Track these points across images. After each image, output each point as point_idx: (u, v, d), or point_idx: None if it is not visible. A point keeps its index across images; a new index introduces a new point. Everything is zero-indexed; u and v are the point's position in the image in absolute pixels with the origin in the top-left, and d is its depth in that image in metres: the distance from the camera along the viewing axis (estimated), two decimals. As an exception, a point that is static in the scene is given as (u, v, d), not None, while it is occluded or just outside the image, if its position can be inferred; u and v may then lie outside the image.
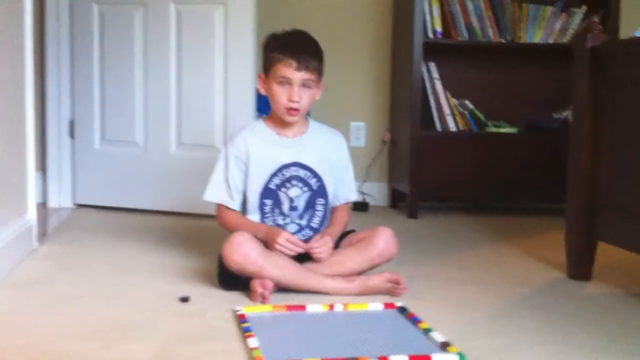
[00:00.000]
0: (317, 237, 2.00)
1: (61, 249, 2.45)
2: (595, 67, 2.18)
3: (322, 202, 2.10)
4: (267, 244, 1.96)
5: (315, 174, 2.08)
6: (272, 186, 2.06)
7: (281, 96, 2.01)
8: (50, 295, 1.88)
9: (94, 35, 3.26)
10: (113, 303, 1.83)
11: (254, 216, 2.07)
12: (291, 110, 2.01)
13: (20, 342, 1.50)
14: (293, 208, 2.07)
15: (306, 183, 2.08)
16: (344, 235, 2.12)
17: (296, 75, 1.99)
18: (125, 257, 2.36)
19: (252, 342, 1.50)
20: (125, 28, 3.21)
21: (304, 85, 2.01)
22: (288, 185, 2.06)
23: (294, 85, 1.99)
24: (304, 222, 2.08)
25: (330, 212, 2.14)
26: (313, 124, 2.15)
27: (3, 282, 1.98)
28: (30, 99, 2.41)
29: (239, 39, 3.06)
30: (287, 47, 2.01)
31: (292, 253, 1.95)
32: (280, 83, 2.00)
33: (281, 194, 2.06)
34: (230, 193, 2.07)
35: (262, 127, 2.11)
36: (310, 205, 2.09)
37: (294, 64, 1.98)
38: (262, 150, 2.07)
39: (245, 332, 1.57)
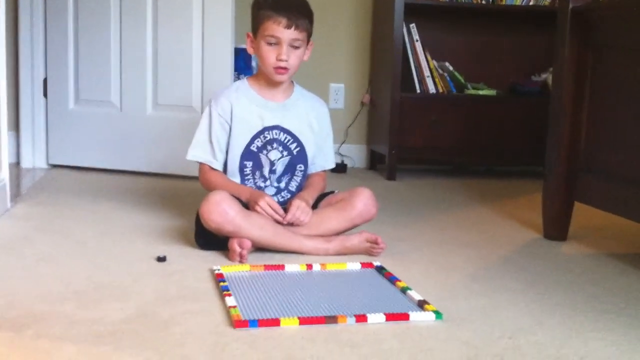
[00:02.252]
0: (293, 206, 1.97)
1: (36, 210, 2.41)
2: (577, 30, 2.17)
3: (302, 168, 2.09)
4: (249, 205, 1.94)
5: (296, 139, 2.07)
6: (253, 148, 2.04)
7: (270, 55, 1.98)
8: (27, 256, 1.86)
9: (68, -8, 3.18)
10: (91, 264, 1.81)
11: (234, 178, 2.06)
12: (279, 69, 1.99)
13: (3, 303, 1.48)
14: (272, 171, 2.06)
15: (286, 147, 2.06)
16: (323, 196, 2.11)
17: (285, 33, 1.96)
18: (102, 218, 2.34)
19: (230, 301, 1.50)
20: (100, -15, 3.13)
21: (293, 45, 1.98)
22: (269, 147, 2.05)
23: (283, 44, 1.97)
24: (282, 185, 2.07)
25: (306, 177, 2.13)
26: (298, 90, 2.13)
27: (-24, 242, 1.95)
28: (2, 57, 2.35)
29: (216, -2, 3.00)
30: (278, 4, 1.98)
31: (271, 217, 1.94)
32: (269, 42, 1.97)
33: (262, 157, 2.05)
34: (214, 153, 2.05)
35: (247, 88, 2.08)
36: (289, 169, 2.07)
37: (283, 21, 1.95)
38: (246, 112, 2.05)
39: (223, 291, 1.57)
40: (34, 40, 3.24)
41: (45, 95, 3.29)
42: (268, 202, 1.94)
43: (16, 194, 2.65)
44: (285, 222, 1.95)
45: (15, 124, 3.30)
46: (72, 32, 3.20)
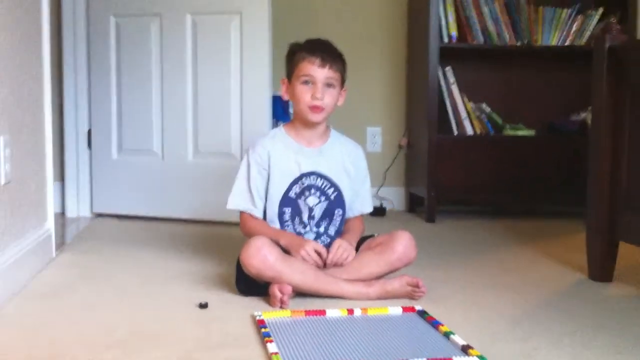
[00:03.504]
0: (334, 246, 1.99)
1: (80, 258, 2.46)
2: (614, 68, 2.16)
3: (340, 213, 2.10)
4: (291, 250, 1.96)
5: (333, 184, 2.08)
6: (291, 195, 2.06)
7: (305, 95, 2.02)
8: (71, 304, 1.89)
9: (111, 46, 3.28)
10: (134, 312, 1.83)
11: (273, 225, 2.07)
12: (315, 107, 2.02)
13: (45, 352, 1.50)
14: (311, 217, 2.07)
15: (324, 192, 2.08)
16: (363, 240, 2.11)
17: (320, 72, 2.00)
18: (144, 265, 2.37)
19: (272, 347, 1.50)
20: (141, 39, 3.23)
21: (328, 84, 2.02)
22: (307, 193, 2.06)
23: (318, 82, 2.01)
24: (321, 230, 2.08)
25: (344, 222, 2.14)
26: (334, 135, 2.16)
27: (24, 292, 1.99)
28: (48, 109, 2.42)
29: (254, 47, 3.07)
30: (312, 46, 2.05)
31: (315, 263, 1.94)
32: (305, 82, 2.02)
33: (300, 203, 2.06)
34: (254, 201, 2.07)
35: (283, 135, 2.11)
36: (327, 214, 2.09)
37: (317, 61, 2.00)
38: (284, 158, 2.07)
39: (264, 338, 1.57)
40: (78, 93, 3.35)
41: (89, 146, 3.37)
42: (314, 247, 1.95)
43: (61, 243, 2.70)
44: (328, 261, 1.95)
45: (60, 175, 3.39)
46: (115, 84, 3.29)
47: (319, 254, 1.96)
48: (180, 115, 3.20)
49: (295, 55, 2.06)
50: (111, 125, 3.31)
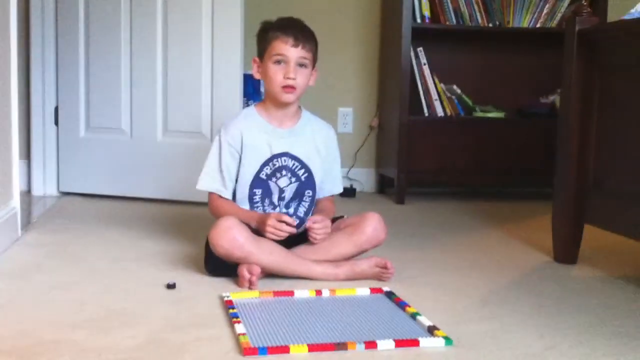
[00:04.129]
0: (318, 217, 1.99)
1: (47, 237, 2.43)
2: (584, 51, 2.18)
3: (310, 194, 2.10)
4: (260, 230, 1.95)
5: (304, 165, 2.08)
6: (262, 176, 2.05)
7: (277, 74, 2.00)
8: (38, 284, 1.87)
9: (79, 21, 3.22)
10: (102, 291, 1.82)
11: (242, 206, 2.06)
12: (287, 87, 2.00)
13: (12, 331, 1.49)
14: (281, 198, 2.07)
15: (294, 173, 2.07)
16: (333, 221, 2.11)
17: (293, 52, 1.99)
18: (113, 245, 2.35)
19: (240, 328, 1.50)
20: (110, 14, 3.17)
21: (300, 64, 2.01)
22: (278, 174, 2.06)
23: (290, 62, 1.99)
24: (290, 211, 2.08)
25: (315, 203, 2.13)
26: (305, 115, 2.14)
27: (-12, 271, 1.97)
28: (15, 86, 2.38)
29: (226, 25, 3.04)
30: (284, 26, 2.03)
31: (284, 234, 1.93)
32: (277, 62, 2.00)
33: (271, 184, 2.06)
34: (224, 182, 2.06)
35: (255, 115, 2.09)
36: (297, 195, 2.08)
37: (290, 40, 1.99)
38: (256, 139, 2.06)
39: (232, 318, 1.57)
40: (45, 69, 3.29)
41: (56, 123, 3.32)
42: (276, 217, 1.93)
43: (27, 221, 2.67)
44: (294, 231, 1.94)
45: (26, 152, 3.33)
46: (83, 61, 3.24)
47: (286, 222, 1.94)
48: (150, 93, 3.16)
49: (267, 33, 2.04)
50: (79, 103, 3.26)
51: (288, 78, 1.99)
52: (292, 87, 2.01)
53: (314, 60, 2.07)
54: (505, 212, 3.23)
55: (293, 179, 2.07)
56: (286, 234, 1.93)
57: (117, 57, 3.18)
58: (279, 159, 2.06)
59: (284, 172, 2.06)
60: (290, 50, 1.99)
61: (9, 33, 2.33)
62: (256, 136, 2.06)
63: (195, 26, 3.07)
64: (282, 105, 2.06)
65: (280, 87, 2.01)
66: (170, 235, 2.50)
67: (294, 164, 2.07)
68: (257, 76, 2.09)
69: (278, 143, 2.06)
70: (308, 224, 1.97)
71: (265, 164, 2.05)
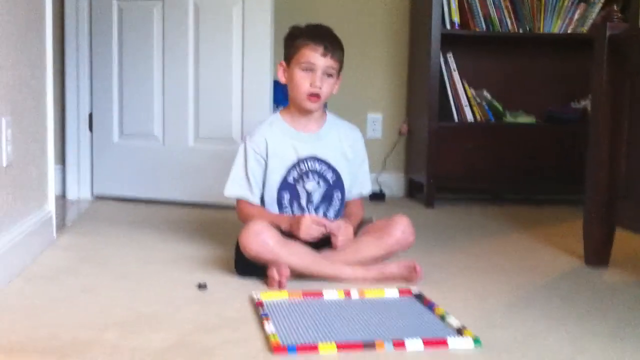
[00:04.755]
0: (341, 222, 2.00)
1: (81, 240, 2.47)
2: (614, 56, 2.17)
3: (339, 196, 2.11)
4: (293, 231, 1.97)
5: (331, 168, 2.09)
6: (290, 180, 2.07)
7: (304, 82, 2.02)
8: (71, 286, 1.90)
9: (113, 29, 3.28)
10: (133, 293, 1.85)
11: (271, 210, 2.09)
12: (312, 96, 2.02)
13: (45, 332, 1.51)
14: (310, 201, 2.08)
15: (322, 176, 2.09)
16: (362, 224, 2.13)
17: (321, 60, 2.01)
18: (145, 248, 2.39)
19: (270, 327, 1.52)
20: (143, 23, 3.23)
21: (327, 73, 2.02)
22: (305, 178, 2.08)
23: (318, 70, 2.01)
24: (320, 214, 2.09)
25: (344, 205, 2.15)
26: (330, 118, 2.16)
27: (25, 273, 2.00)
28: (50, 92, 2.43)
29: (256, 33, 3.07)
30: (314, 34, 2.05)
31: (318, 235, 1.95)
32: (304, 69, 2.02)
33: (299, 188, 2.08)
34: (251, 188, 2.08)
35: (280, 122, 2.12)
36: (326, 198, 2.10)
37: (320, 49, 2.01)
38: (281, 145, 2.08)
39: (262, 318, 1.58)
40: (80, 77, 3.35)
41: (90, 129, 3.38)
42: (310, 219, 1.95)
43: (61, 225, 2.72)
44: (332, 230, 1.96)
45: (61, 158, 3.40)
46: (117, 68, 3.29)
47: (320, 224, 1.96)
48: (182, 100, 3.21)
49: (296, 40, 2.06)
50: (112, 109, 3.32)
51: (314, 86, 2.01)
52: (318, 96, 2.03)
53: (340, 69, 2.09)
54: (535, 217, 3.21)
55: (321, 182, 2.09)
56: (320, 235, 1.95)
57: (149, 65, 3.24)
58: (305, 163, 2.07)
59: (310, 176, 2.08)
60: (319, 59, 2.01)
61: (44, 41, 2.38)
62: (281, 141, 2.08)
63: (226, 34, 3.11)
64: (305, 112, 2.08)
65: (306, 95, 2.03)
66: (200, 239, 2.53)
67: (321, 167, 2.08)
68: (282, 80, 2.11)
69: (304, 147, 2.08)
70: (331, 228, 1.97)
71: (292, 168, 2.07)
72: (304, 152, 2.08)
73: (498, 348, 1.46)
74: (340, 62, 2.07)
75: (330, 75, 2.04)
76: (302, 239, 1.94)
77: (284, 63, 2.10)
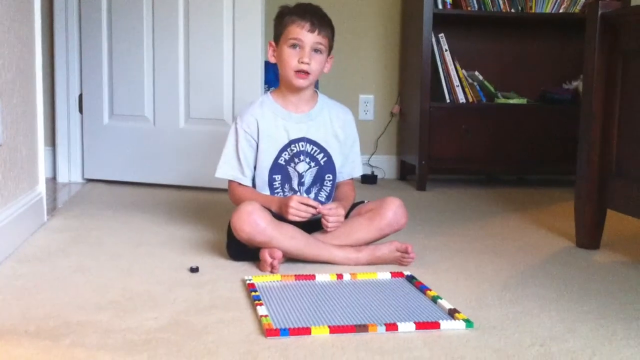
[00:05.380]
0: (333, 205, 2.00)
1: (72, 222, 2.47)
2: (606, 36, 2.16)
3: (330, 178, 2.11)
4: (282, 212, 1.96)
5: (322, 149, 2.09)
6: (281, 161, 2.06)
7: (292, 58, 2.01)
8: (63, 267, 1.90)
9: (102, 9, 3.25)
10: (126, 274, 1.85)
11: (263, 192, 2.08)
12: (301, 72, 2.01)
13: (37, 313, 1.51)
14: (301, 183, 2.08)
15: (313, 158, 2.08)
16: (353, 206, 2.12)
17: (309, 36, 1.99)
18: (136, 230, 2.38)
19: (262, 310, 1.52)
20: (133, 3, 3.20)
21: (315, 49, 2.01)
22: (296, 160, 2.07)
23: (306, 47, 2.00)
24: (312, 196, 2.09)
25: (335, 187, 2.14)
26: (322, 99, 2.15)
27: (16, 254, 2.00)
28: (39, 73, 2.41)
29: (247, 13, 3.05)
30: (302, 11, 2.03)
31: (306, 215, 1.94)
32: (292, 45, 2.01)
33: (290, 169, 2.07)
34: (242, 169, 2.07)
35: (270, 102, 2.11)
36: (317, 180, 2.09)
37: (307, 25, 1.99)
38: (272, 126, 2.07)
39: (255, 301, 1.58)
40: (70, 58, 3.32)
41: (80, 111, 3.36)
42: (298, 200, 1.94)
43: (52, 207, 2.71)
44: (323, 211, 1.95)
45: (51, 140, 3.38)
46: (107, 49, 3.27)
47: (308, 204, 1.95)
48: (172, 80, 3.19)
49: (284, 18, 2.04)
50: (103, 90, 3.30)
51: (302, 62, 2.00)
52: (306, 72, 2.01)
53: (330, 47, 2.08)
54: (527, 198, 3.22)
55: (312, 164, 2.08)
56: (309, 215, 1.94)
57: (139, 45, 3.21)
58: (296, 144, 2.07)
59: (302, 157, 2.07)
60: (306, 35, 2.00)
61: (33, 22, 2.36)
62: (272, 122, 2.07)
63: (217, 13, 3.09)
64: (296, 90, 2.07)
65: (294, 71, 2.01)
66: (192, 221, 2.52)
67: (312, 149, 2.08)
68: (271, 60, 2.09)
69: (295, 128, 2.07)
70: (322, 210, 1.96)
71: (284, 149, 2.06)
72: (295, 134, 2.07)
73: (490, 328, 1.47)
74: (329, 39, 2.06)
75: (318, 52, 2.03)
76: (291, 219, 1.94)
77: (273, 43, 2.09)
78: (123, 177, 3.30)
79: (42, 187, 2.42)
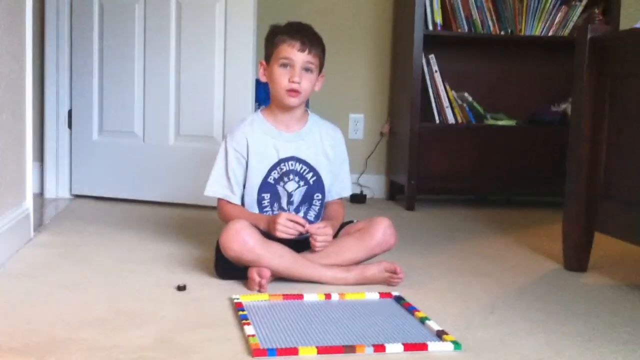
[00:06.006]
0: (322, 224, 1.99)
1: (58, 239, 2.45)
2: (595, 59, 2.18)
3: (319, 197, 2.10)
4: (270, 229, 1.95)
5: (311, 169, 2.09)
6: (270, 180, 2.06)
7: (282, 78, 2.01)
8: (50, 283, 1.88)
9: (94, 26, 3.25)
10: (113, 291, 1.83)
11: (252, 210, 2.07)
12: (292, 91, 2.01)
13: (23, 330, 1.50)
14: (290, 202, 2.08)
15: (302, 177, 2.08)
16: (343, 225, 2.12)
17: (299, 56, 1.99)
18: (124, 247, 2.37)
19: (249, 329, 1.51)
20: (124, 20, 3.20)
21: (306, 69, 2.01)
22: (285, 179, 2.06)
23: (296, 66, 2.00)
24: (300, 215, 2.08)
25: (324, 206, 2.14)
26: (312, 118, 2.15)
27: (2, 270, 1.98)
28: (29, 89, 2.41)
29: (238, 31, 3.06)
30: (292, 30, 2.04)
31: (294, 232, 1.93)
32: (283, 65, 2.01)
33: (279, 188, 2.06)
34: (231, 187, 2.07)
35: (261, 120, 2.10)
36: (306, 199, 2.09)
37: (297, 45, 1.99)
38: (262, 144, 2.07)
39: (242, 320, 1.57)
40: (60, 73, 3.32)
41: (69, 126, 3.35)
42: (286, 217, 1.94)
43: (39, 223, 2.69)
44: (311, 230, 1.94)
45: (39, 155, 3.36)
46: (97, 65, 3.27)
47: (296, 221, 1.94)
48: (163, 97, 3.19)
49: (275, 37, 2.05)
50: (92, 106, 3.29)
51: (293, 82, 2.00)
52: (297, 92, 2.02)
53: (321, 66, 2.08)
54: (515, 219, 3.23)
55: (301, 183, 2.08)
56: (296, 232, 1.94)
57: (130, 61, 3.21)
58: (286, 163, 2.07)
59: (291, 176, 2.07)
60: (296, 55, 2.00)
61: (24, 37, 2.35)
62: (262, 141, 2.07)
63: (208, 32, 3.10)
64: (287, 108, 2.07)
65: (285, 90, 2.02)
66: (181, 239, 2.51)
67: (301, 168, 2.08)
68: (262, 79, 2.10)
69: (285, 147, 2.07)
70: (310, 229, 1.96)
71: (273, 168, 2.06)
72: (285, 153, 2.07)
73: (478, 349, 1.47)
74: (320, 58, 2.06)
75: (309, 71, 2.03)
76: (279, 236, 1.93)
77: (263, 62, 2.09)
78: (111, 194, 3.29)
79: (29, 203, 2.41)
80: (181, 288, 1.85)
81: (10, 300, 1.72)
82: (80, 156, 3.33)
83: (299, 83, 2.00)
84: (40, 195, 3.34)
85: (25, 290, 1.81)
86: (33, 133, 2.48)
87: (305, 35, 2.02)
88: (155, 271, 2.05)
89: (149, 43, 3.18)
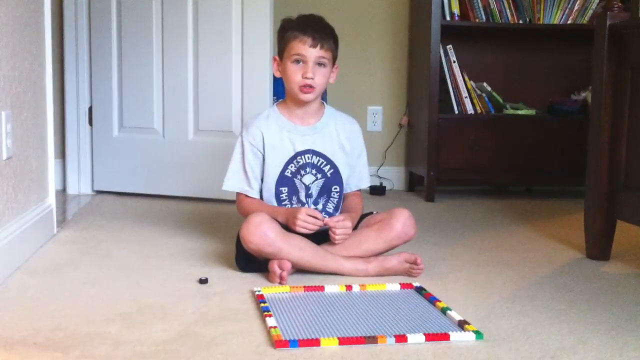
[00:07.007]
0: (341, 217, 1.99)
1: (81, 235, 2.47)
2: (614, 46, 2.16)
3: (337, 189, 2.10)
4: (289, 224, 1.96)
5: (329, 161, 2.09)
6: (287, 174, 2.06)
7: (296, 74, 2.01)
8: (73, 279, 1.90)
9: (112, 23, 3.28)
10: (135, 286, 1.85)
11: (271, 204, 2.07)
12: (305, 87, 2.01)
13: (47, 325, 1.52)
14: (308, 195, 2.08)
15: (320, 170, 2.08)
16: (363, 217, 2.12)
17: (311, 52, 1.99)
18: (145, 242, 2.39)
19: (271, 321, 1.52)
20: (143, 16, 3.22)
21: (319, 63, 2.01)
22: (302, 172, 2.07)
23: (309, 62, 2.00)
24: (319, 207, 2.08)
25: (343, 198, 2.14)
26: (329, 111, 2.15)
27: (25, 266, 2.01)
28: (50, 85, 2.43)
29: (255, 26, 3.06)
30: (303, 25, 2.02)
31: (314, 227, 1.94)
32: (295, 61, 2.01)
33: (297, 181, 2.07)
34: (249, 181, 2.07)
35: (276, 114, 2.11)
36: (324, 191, 2.09)
37: (309, 40, 1.99)
38: (277, 138, 2.07)
39: (263, 312, 1.58)
40: (80, 71, 3.34)
41: (90, 123, 3.38)
42: (306, 212, 1.94)
43: (62, 219, 2.72)
44: (325, 224, 1.95)
45: (61, 152, 3.39)
46: (116, 62, 3.29)
47: (315, 217, 1.95)
48: (181, 93, 3.21)
49: (286, 33, 2.04)
50: (112, 103, 3.32)
51: (306, 78, 2.00)
52: (311, 87, 2.01)
53: (334, 58, 2.07)
54: (536, 209, 3.21)
55: (319, 176, 2.08)
56: (316, 228, 1.94)
57: (149, 58, 3.23)
58: (302, 156, 2.07)
59: (308, 169, 2.07)
60: (308, 51, 2.00)
61: (43, 36, 2.38)
62: (277, 135, 2.07)
63: (226, 27, 3.10)
64: (302, 103, 2.07)
65: (299, 86, 2.01)
66: (202, 233, 2.53)
67: (318, 161, 2.08)
68: (276, 74, 2.10)
69: (301, 140, 2.07)
70: (329, 222, 1.96)
71: (290, 161, 2.06)
72: (301, 146, 2.07)
73: (499, 339, 1.47)
74: (333, 51, 2.05)
75: (322, 65, 2.03)
76: (298, 231, 1.94)
77: (277, 58, 2.09)
78: (132, 189, 3.31)
79: (52, 199, 2.43)
80: (203, 281, 1.86)
81: (35, 296, 1.75)
82: (101, 152, 3.36)
83: (312, 79, 2.00)
84: (62, 192, 3.38)
85: (49, 286, 1.83)
86: (54, 130, 2.51)
87: (317, 29, 2.01)
88: (176, 265, 2.07)
89: (167, 40, 3.20)
